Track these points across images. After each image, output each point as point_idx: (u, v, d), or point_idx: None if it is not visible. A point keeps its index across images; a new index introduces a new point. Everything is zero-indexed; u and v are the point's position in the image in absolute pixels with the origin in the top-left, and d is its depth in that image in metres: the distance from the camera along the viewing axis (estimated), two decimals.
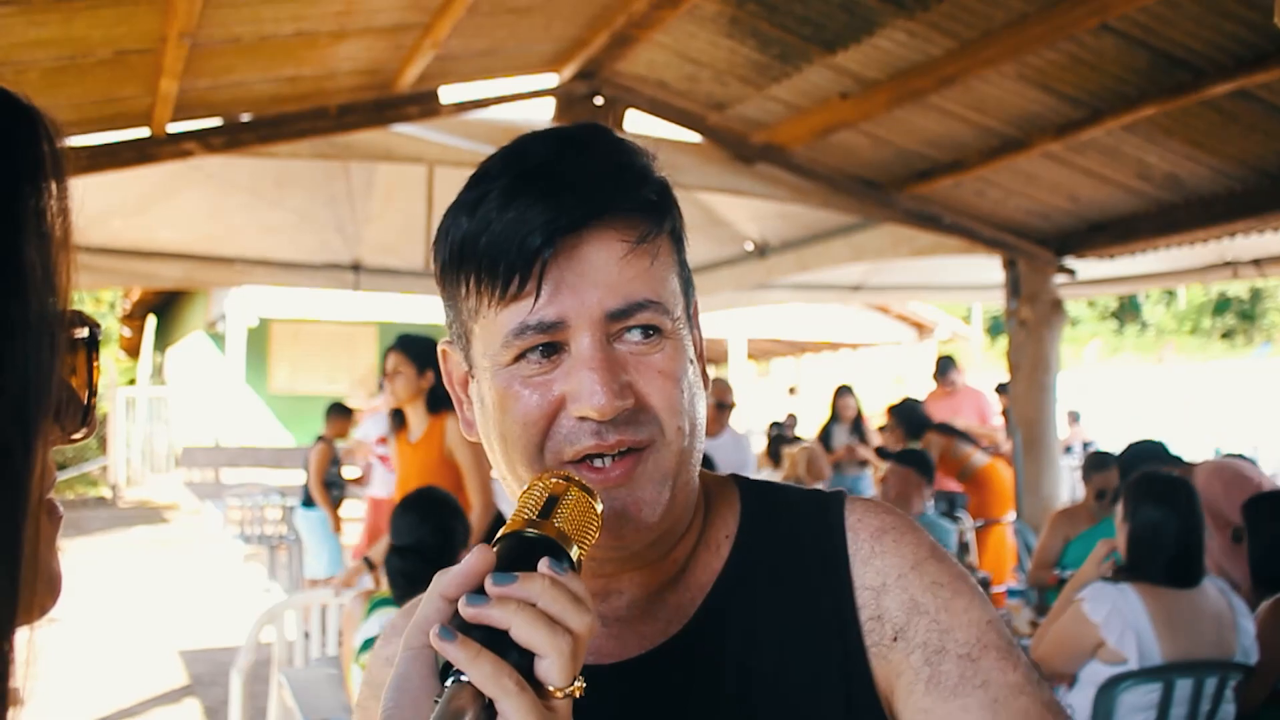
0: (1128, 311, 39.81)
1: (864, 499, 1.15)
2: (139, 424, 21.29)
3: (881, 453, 8.03)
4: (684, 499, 1.06)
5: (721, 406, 8.02)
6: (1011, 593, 5.20)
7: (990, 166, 6.84)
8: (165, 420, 22.19)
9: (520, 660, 0.81)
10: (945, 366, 10.87)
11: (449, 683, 0.80)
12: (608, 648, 1.08)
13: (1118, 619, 3.60)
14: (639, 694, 1.06)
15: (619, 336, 1.00)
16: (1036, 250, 8.23)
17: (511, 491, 1.07)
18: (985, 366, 26.88)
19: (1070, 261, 8.31)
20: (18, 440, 0.59)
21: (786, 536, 1.12)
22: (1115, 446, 6.02)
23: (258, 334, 21.07)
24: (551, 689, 0.81)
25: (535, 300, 0.98)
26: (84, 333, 0.67)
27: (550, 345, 1.00)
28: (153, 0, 4.16)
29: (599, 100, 6.74)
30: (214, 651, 8.29)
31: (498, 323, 1.01)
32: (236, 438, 20.22)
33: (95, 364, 0.67)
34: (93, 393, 0.67)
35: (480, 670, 0.79)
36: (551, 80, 6.70)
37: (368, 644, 3.37)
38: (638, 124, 7.12)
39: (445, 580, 0.87)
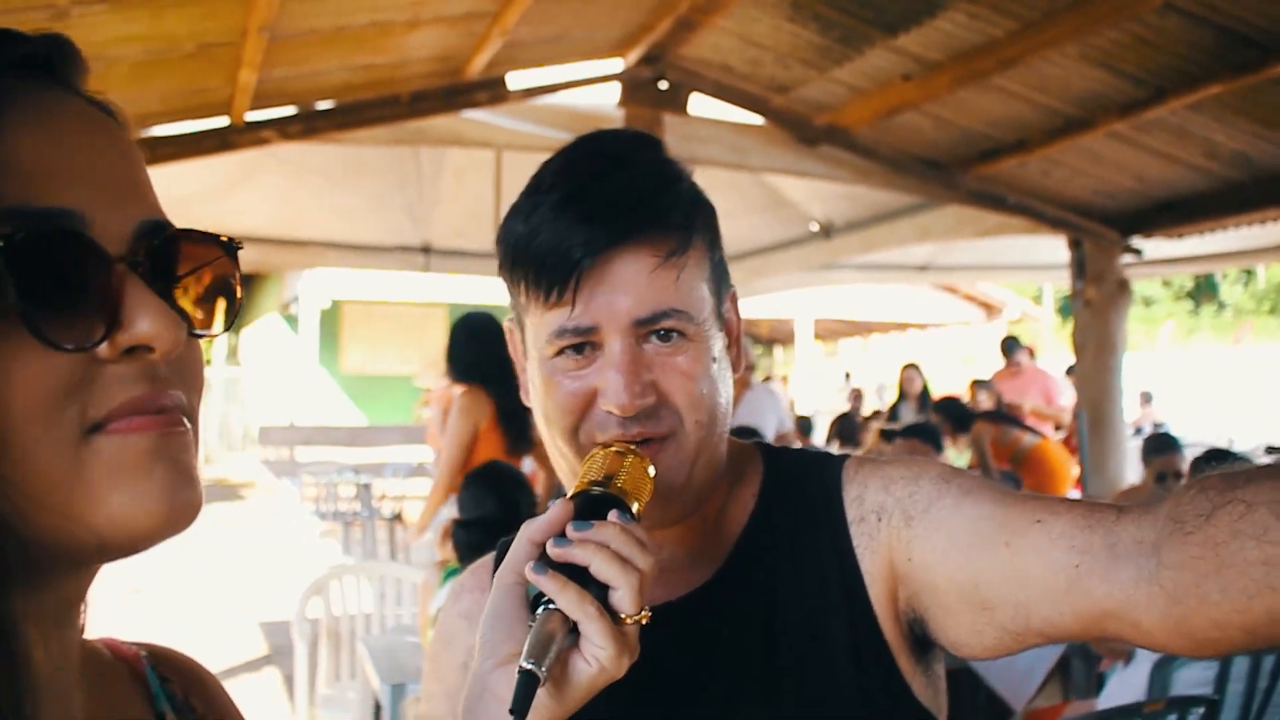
0: (1204, 291, 39.03)
1: (863, 455, 1.32)
2: (215, 404, 21.81)
3: (886, 434, 8.04)
4: (705, 475, 1.21)
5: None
6: None
7: (1055, 146, 6.83)
8: (241, 400, 22.71)
9: (598, 592, 0.97)
10: (1011, 346, 10.84)
11: (540, 610, 0.96)
12: (654, 594, 1.22)
13: None
14: (683, 631, 1.22)
15: (646, 339, 1.15)
16: (1102, 230, 8.19)
17: (554, 458, 1.24)
18: (1057, 347, 26.56)
19: (1138, 241, 8.26)
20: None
21: (798, 491, 1.28)
22: (1187, 429, 5.99)
23: (330, 315, 21.42)
24: (624, 616, 0.97)
25: (572, 309, 1.14)
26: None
27: (586, 344, 1.15)
28: None
29: (664, 84, 6.83)
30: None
31: (543, 322, 1.17)
32: (311, 417, 20.63)
33: (80, 265, 0.71)
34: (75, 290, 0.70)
35: (567, 598, 0.95)
36: (617, 65, 6.80)
37: None
38: (702, 107, 7.21)
39: (533, 527, 1.03)
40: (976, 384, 10.75)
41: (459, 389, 5.31)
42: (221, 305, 0.76)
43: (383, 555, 10.71)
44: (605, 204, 1.13)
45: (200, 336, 0.73)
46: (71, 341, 0.64)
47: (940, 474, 1.20)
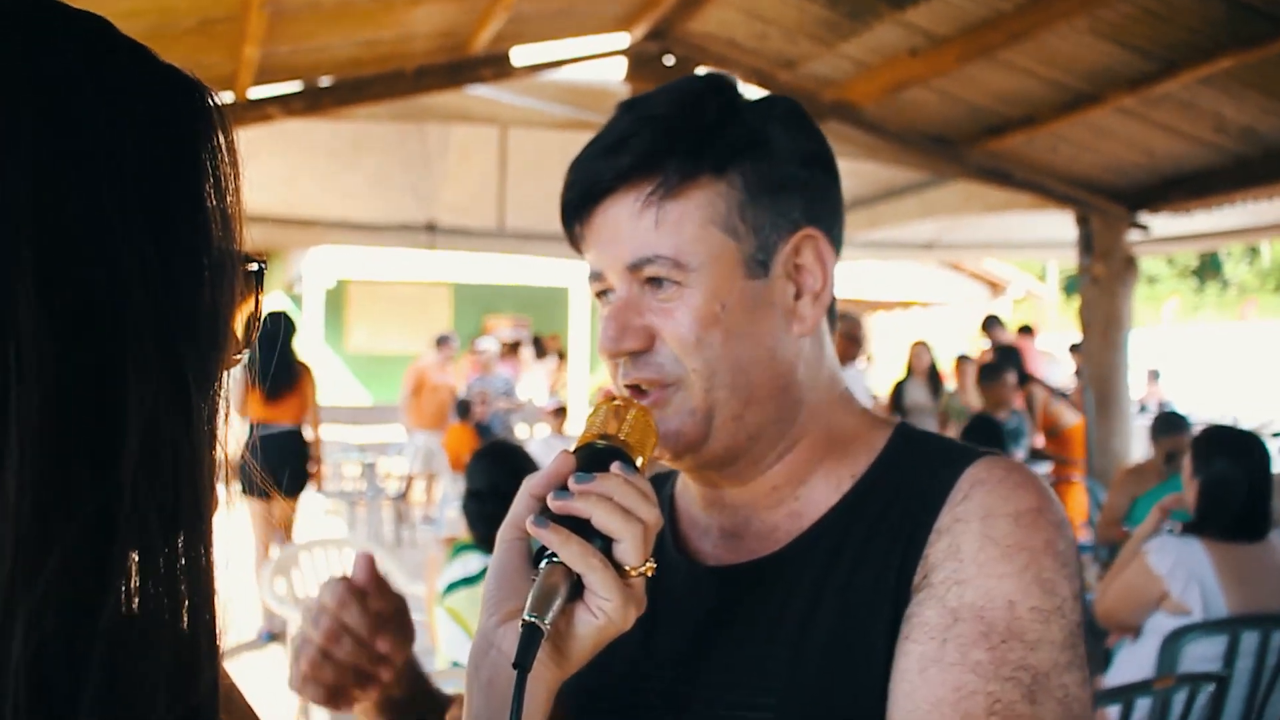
0: (1208, 269, 38.95)
1: (1010, 460, 1.14)
2: None
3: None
4: (734, 435, 1.13)
5: (850, 339, 8.18)
6: (1080, 548, 5.24)
7: (1062, 122, 6.79)
8: None
9: (602, 545, 0.93)
10: (991, 324, 10.91)
11: (543, 564, 0.93)
12: (716, 553, 1.21)
13: (1182, 571, 3.63)
14: (733, 596, 1.16)
15: (645, 283, 1.11)
16: (1109, 206, 8.16)
17: None
18: (1060, 325, 26.55)
19: (1145, 218, 8.24)
20: (214, 357, 0.71)
21: (910, 482, 1.14)
22: (1192, 406, 6.00)
23: (335, 295, 21.39)
24: (628, 568, 0.94)
25: (585, 253, 1.15)
26: (253, 267, 0.77)
27: (609, 289, 1.15)
28: None
29: (669, 59, 6.80)
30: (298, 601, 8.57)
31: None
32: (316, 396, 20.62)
33: (260, 293, 0.78)
34: (257, 316, 0.78)
35: (570, 551, 0.92)
36: (623, 40, 6.77)
37: (451, 587, 3.50)
38: None
39: (534, 481, 1.00)
40: (962, 360, 10.54)
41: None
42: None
43: (387, 534, 10.75)
44: (601, 150, 1.11)
45: None
46: None
47: (974, 598, 1.02)
